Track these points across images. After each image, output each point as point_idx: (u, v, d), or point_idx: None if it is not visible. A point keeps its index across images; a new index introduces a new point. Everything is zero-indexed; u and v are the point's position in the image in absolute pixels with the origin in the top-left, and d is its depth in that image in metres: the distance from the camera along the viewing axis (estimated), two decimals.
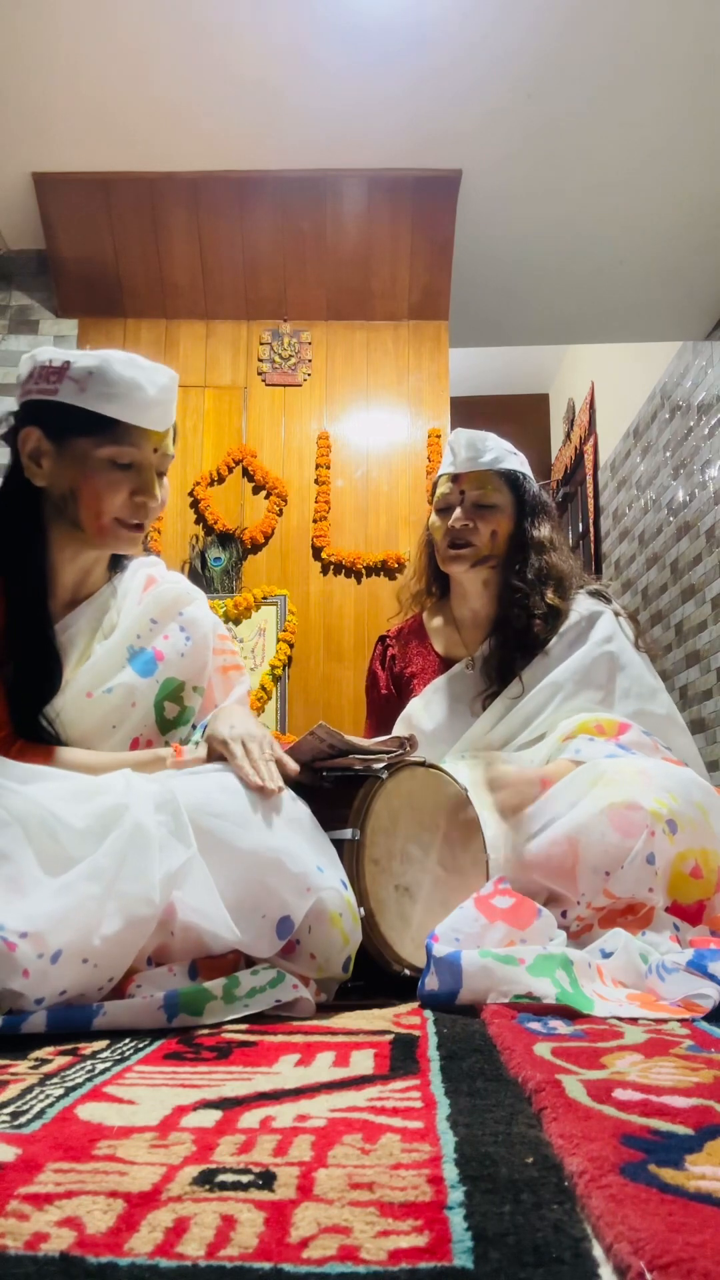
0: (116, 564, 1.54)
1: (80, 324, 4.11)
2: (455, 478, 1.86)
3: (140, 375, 1.35)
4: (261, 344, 4.14)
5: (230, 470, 4.05)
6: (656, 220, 3.97)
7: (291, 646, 3.90)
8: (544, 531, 1.86)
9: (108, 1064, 0.86)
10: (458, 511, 1.84)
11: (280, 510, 4.02)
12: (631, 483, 5.66)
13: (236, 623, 3.92)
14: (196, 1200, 0.51)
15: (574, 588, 1.86)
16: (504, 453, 1.87)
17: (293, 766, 1.34)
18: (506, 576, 1.85)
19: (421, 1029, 1.01)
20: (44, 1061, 0.87)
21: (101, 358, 1.35)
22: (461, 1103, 0.70)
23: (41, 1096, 0.73)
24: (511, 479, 1.87)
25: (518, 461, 1.89)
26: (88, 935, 1.03)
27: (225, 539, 3.98)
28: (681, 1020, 1.09)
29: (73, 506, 1.38)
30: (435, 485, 1.93)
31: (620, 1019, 1.08)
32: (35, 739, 1.35)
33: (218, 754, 1.33)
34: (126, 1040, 0.98)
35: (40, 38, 3.17)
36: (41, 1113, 0.68)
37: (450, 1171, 0.55)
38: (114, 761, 1.34)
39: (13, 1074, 0.81)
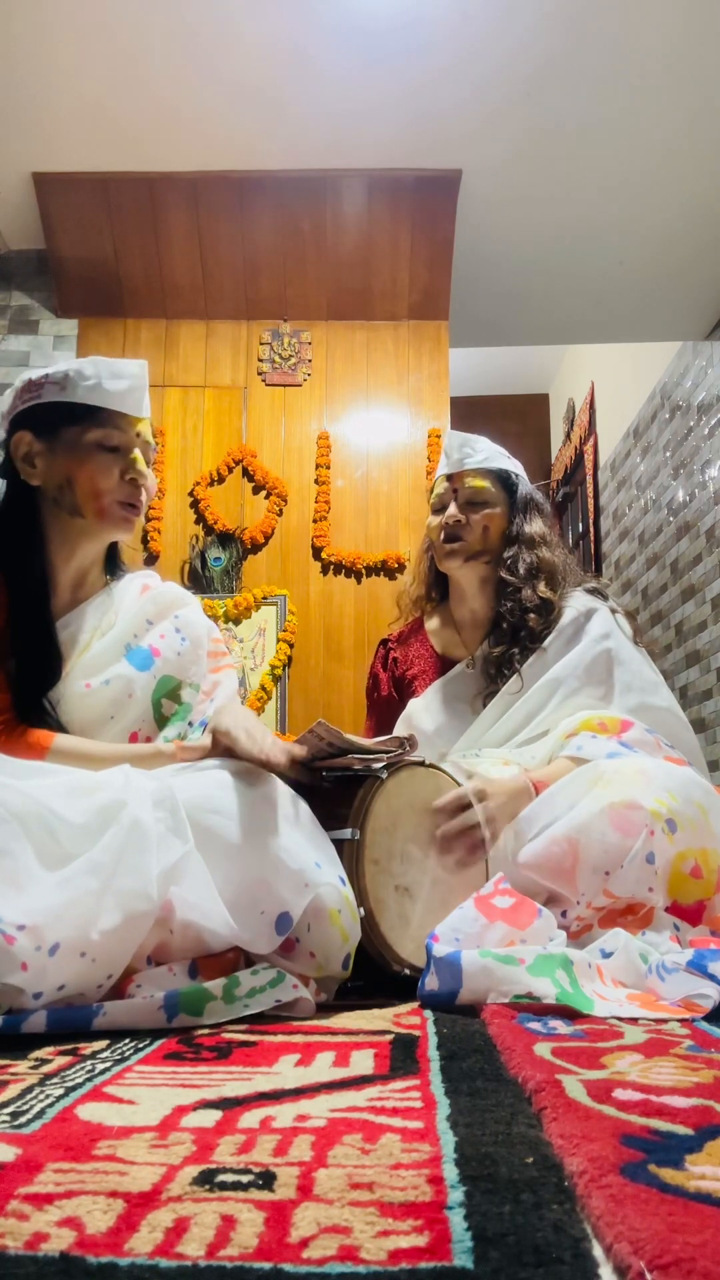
0: (113, 570, 1.59)
1: (80, 324, 4.11)
2: (449, 477, 1.92)
3: (112, 367, 1.48)
4: (261, 344, 4.14)
5: (230, 470, 4.05)
6: (656, 220, 3.97)
7: (291, 646, 3.90)
8: (535, 527, 1.90)
9: (108, 1064, 0.86)
10: (451, 508, 1.90)
11: (280, 510, 4.02)
12: (631, 483, 5.66)
13: (236, 623, 3.92)
14: (196, 1200, 0.51)
15: (567, 582, 1.89)
16: (494, 453, 1.94)
17: (300, 750, 1.35)
18: (501, 573, 1.87)
19: (421, 1029, 1.01)
20: (44, 1061, 0.87)
21: (74, 363, 1.49)
22: (461, 1103, 0.70)
23: (41, 1096, 0.73)
24: (503, 476, 1.93)
25: (509, 462, 1.95)
26: (86, 929, 1.03)
27: (225, 539, 3.98)
28: (681, 1020, 1.09)
29: (70, 495, 1.46)
30: (431, 490, 1.97)
31: (620, 1019, 1.08)
32: (36, 725, 1.37)
33: (221, 747, 1.34)
34: (126, 1040, 0.98)
35: (40, 38, 3.17)
36: (41, 1113, 0.68)
37: (450, 1171, 0.55)
38: (113, 751, 1.36)
39: (13, 1074, 0.81)
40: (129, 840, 1.10)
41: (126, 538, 1.56)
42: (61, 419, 1.45)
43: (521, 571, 1.86)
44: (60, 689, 1.41)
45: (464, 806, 1.47)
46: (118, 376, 1.47)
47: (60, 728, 1.39)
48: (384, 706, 2.03)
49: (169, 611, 1.56)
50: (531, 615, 1.82)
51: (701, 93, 3.35)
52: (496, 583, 1.90)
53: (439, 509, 1.92)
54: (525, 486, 1.94)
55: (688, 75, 3.28)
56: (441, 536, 1.89)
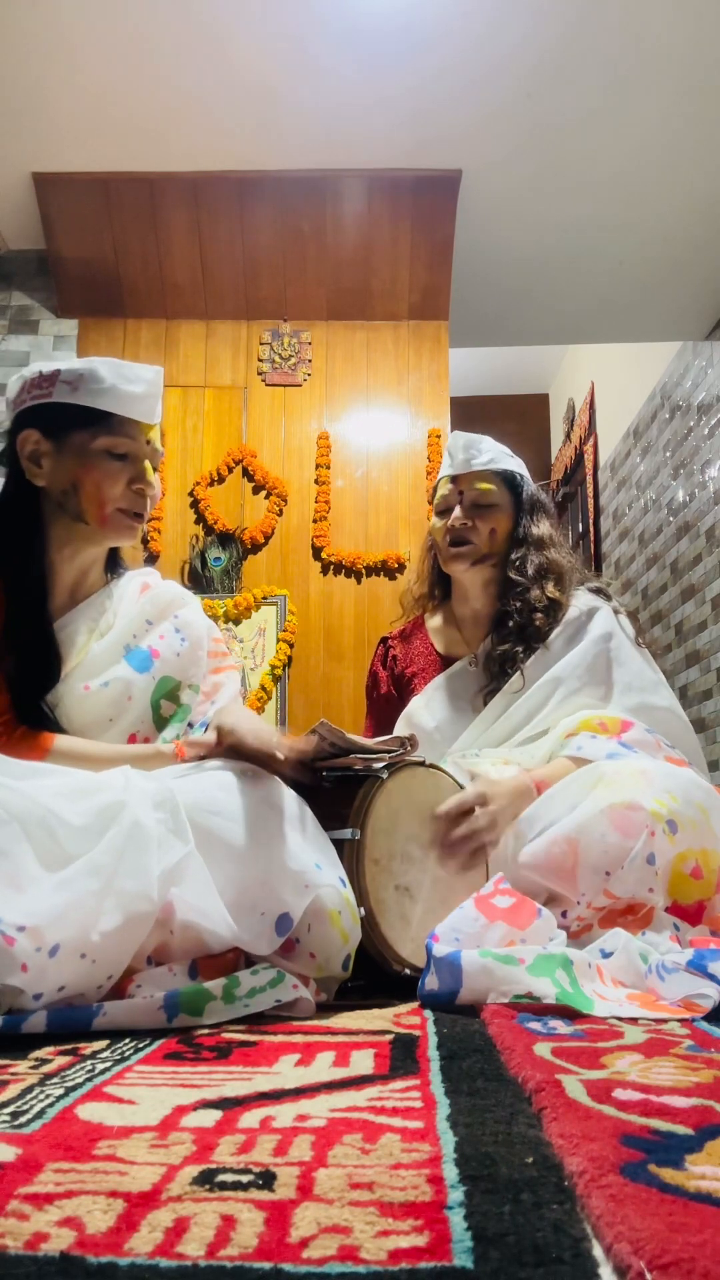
0: (113, 569, 1.58)
1: (80, 324, 4.11)
2: (454, 479, 1.91)
3: (127, 371, 1.45)
4: (261, 344, 4.14)
5: (230, 470, 4.05)
6: (656, 220, 3.97)
7: (291, 646, 3.90)
8: (543, 529, 1.90)
9: (108, 1064, 0.86)
10: (457, 511, 1.88)
11: (280, 510, 4.02)
12: (631, 483, 5.66)
13: (236, 623, 3.91)
14: (196, 1200, 0.51)
15: (574, 582, 1.89)
16: (500, 454, 1.92)
17: (305, 744, 1.36)
18: (506, 573, 1.87)
19: (421, 1029, 1.01)
20: (44, 1061, 0.87)
21: (88, 362, 1.45)
22: (461, 1103, 0.70)
23: (41, 1096, 0.73)
24: (508, 478, 1.92)
25: (514, 463, 1.94)
26: (86, 931, 1.03)
27: (225, 539, 3.98)
28: (681, 1020, 1.09)
29: (74, 500, 1.44)
30: (435, 489, 1.96)
31: (620, 1019, 1.08)
32: (36, 726, 1.37)
33: (225, 744, 1.34)
34: (126, 1040, 0.98)
35: (40, 37, 3.17)
36: (41, 1113, 0.68)
37: (450, 1171, 0.55)
38: (113, 752, 1.36)
39: (13, 1074, 0.81)
40: (129, 841, 1.10)
41: (129, 544, 1.55)
42: (71, 421, 1.43)
43: (530, 572, 1.85)
44: (59, 691, 1.41)
45: (466, 812, 1.47)
46: (133, 381, 1.44)
47: (59, 729, 1.39)
48: (384, 705, 2.03)
49: (168, 611, 1.55)
50: (539, 615, 1.82)
51: (702, 91, 3.35)
52: (501, 582, 1.90)
53: (443, 511, 1.91)
54: (530, 487, 1.93)
55: (688, 74, 3.28)
56: (447, 540, 1.88)
